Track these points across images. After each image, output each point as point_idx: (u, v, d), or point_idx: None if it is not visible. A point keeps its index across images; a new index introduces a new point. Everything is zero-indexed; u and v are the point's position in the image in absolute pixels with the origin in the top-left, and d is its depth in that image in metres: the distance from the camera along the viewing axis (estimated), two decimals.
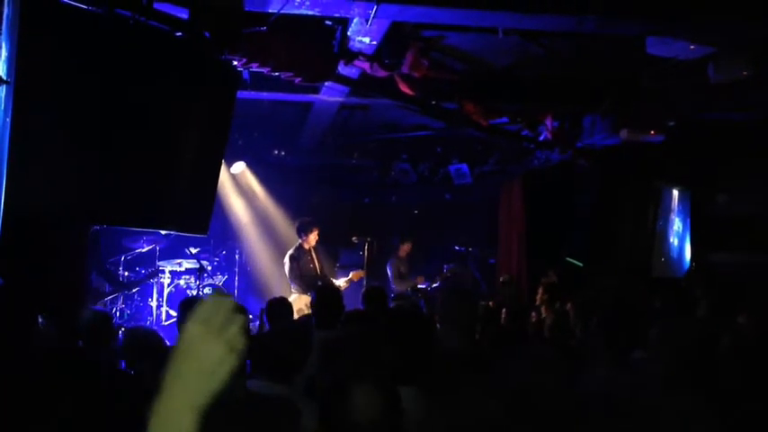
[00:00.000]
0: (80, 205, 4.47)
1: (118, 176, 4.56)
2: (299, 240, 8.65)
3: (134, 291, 8.78)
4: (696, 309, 5.71)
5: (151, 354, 3.99)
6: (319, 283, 7.69)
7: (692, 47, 5.68)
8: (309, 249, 8.66)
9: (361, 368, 2.19)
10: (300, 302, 7.83)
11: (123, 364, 4.18)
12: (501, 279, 9.27)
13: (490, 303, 8.01)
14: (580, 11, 4.99)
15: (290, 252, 8.61)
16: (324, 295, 5.03)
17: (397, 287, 9.51)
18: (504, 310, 6.83)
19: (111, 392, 2.62)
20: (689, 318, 4.65)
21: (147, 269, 9.19)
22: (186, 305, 4.81)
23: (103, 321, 4.20)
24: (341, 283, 8.79)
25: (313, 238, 8.62)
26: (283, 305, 5.23)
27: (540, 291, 6.95)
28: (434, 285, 9.45)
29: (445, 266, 10.13)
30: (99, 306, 5.87)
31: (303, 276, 8.35)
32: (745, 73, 5.89)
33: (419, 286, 9.55)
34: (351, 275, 9.12)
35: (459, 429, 2.39)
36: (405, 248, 9.50)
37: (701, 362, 2.90)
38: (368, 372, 2.09)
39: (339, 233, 10.71)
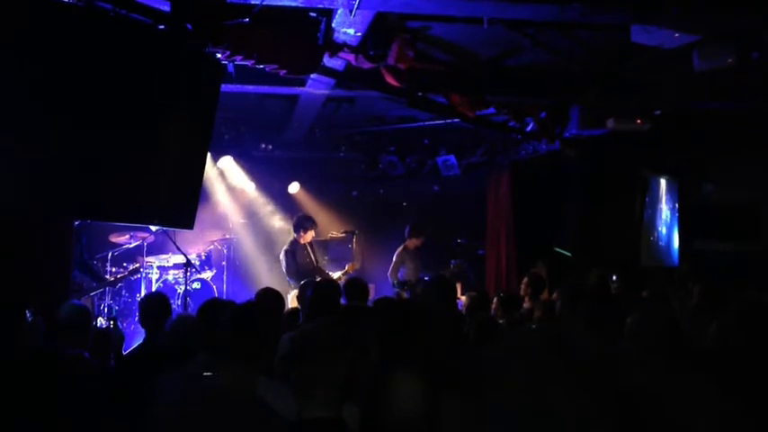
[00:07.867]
0: (61, 201, 4.42)
1: (101, 171, 4.51)
2: (294, 235, 8.65)
3: (118, 286, 8.73)
4: (689, 298, 5.76)
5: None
6: (317, 278, 7.58)
7: (676, 35, 5.66)
8: (305, 244, 8.67)
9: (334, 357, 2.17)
10: None
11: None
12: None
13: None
14: (563, 0, 4.99)
15: (285, 247, 8.60)
16: (321, 289, 4.85)
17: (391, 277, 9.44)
18: (495, 300, 6.84)
19: (86, 386, 2.60)
20: (662, 306, 4.70)
21: (133, 265, 9.15)
22: (208, 309, 4.21)
23: (82, 314, 4.15)
24: (337, 275, 8.80)
25: (310, 235, 8.66)
26: (275, 297, 4.91)
27: (525, 282, 6.92)
28: None
29: (452, 261, 10.05)
30: (82, 301, 5.82)
31: (300, 271, 8.33)
32: (729, 61, 5.87)
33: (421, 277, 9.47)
34: (347, 267, 9.14)
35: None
36: (414, 242, 9.29)
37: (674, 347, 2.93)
38: (342, 359, 2.07)
39: (327, 226, 10.73)
